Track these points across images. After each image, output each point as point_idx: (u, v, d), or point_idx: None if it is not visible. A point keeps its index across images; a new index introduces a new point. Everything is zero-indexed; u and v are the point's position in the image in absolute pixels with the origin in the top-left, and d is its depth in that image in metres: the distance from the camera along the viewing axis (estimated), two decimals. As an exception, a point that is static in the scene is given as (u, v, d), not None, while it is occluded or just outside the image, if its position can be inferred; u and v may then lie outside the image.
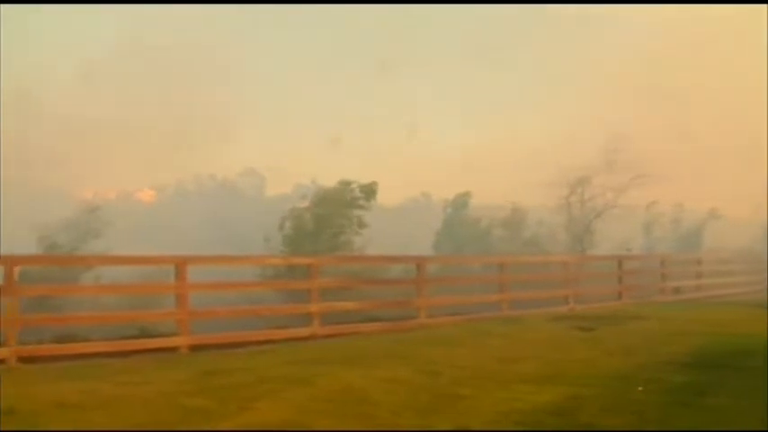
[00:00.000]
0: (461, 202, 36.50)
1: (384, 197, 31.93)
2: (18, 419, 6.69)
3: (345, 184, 28.12)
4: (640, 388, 7.87)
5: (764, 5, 33.90)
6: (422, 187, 51.66)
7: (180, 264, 11.79)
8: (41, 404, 7.19)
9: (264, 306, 14.30)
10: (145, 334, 12.06)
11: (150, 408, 7.03)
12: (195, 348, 11.47)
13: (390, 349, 10.99)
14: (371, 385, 8.06)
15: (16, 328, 10.36)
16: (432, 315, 15.27)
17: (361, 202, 27.91)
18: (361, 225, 27.50)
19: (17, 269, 10.58)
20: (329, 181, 28.69)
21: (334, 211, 27.61)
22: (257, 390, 7.79)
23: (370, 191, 27.97)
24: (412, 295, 15.54)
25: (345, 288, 16.15)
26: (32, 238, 24.85)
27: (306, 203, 28.18)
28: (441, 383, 8.35)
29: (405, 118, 69.10)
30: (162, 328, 12.84)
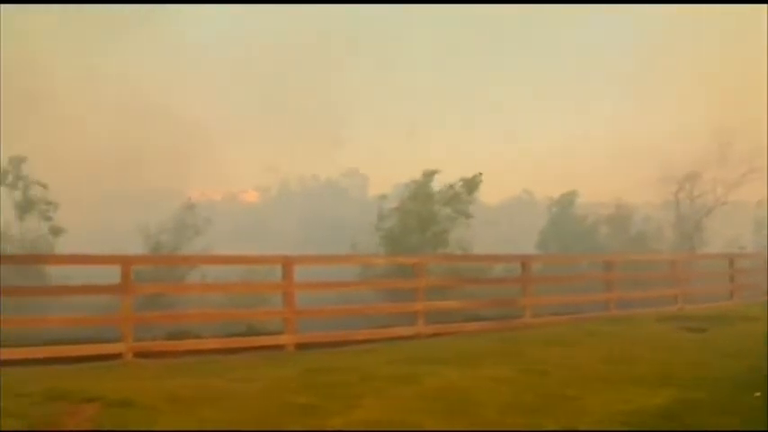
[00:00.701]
0: (567, 200, 35.94)
1: (486, 196, 31.82)
2: (134, 412, 6.94)
3: (428, 175, 28.06)
4: (758, 394, 7.52)
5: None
6: (524, 185, 51.16)
7: (287, 263, 11.99)
8: (156, 398, 7.43)
9: (369, 305, 14.42)
10: (252, 332, 12.32)
11: (259, 403, 7.17)
12: (301, 346, 11.63)
13: (495, 349, 10.89)
14: (477, 385, 8.02)
15: (131, 325, 10.77)
16: (537, 314, 15.05)
17: (464, 196, 27.81)
18: (467, 216, 27.41)
19: (132, 268, 11.00)
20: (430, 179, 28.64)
21: (436, 209, 27.61)
22: (363, 388, 7.84)
23: (472, 185, 27.83)
24: (517, 294, 15.34)
25: (449, 287, 16.09)
26: (138, 237, 25.87)
27: (405, 202, 28.26)
28: (547, 383, 8.23)
29: (505, 117, 68.67)
30: (268, 325, 13.09)
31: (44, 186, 26.72)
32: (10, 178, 26.65)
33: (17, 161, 26.63)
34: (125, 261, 11.14)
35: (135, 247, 23.96)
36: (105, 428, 6.44)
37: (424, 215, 27.26)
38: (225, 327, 12.76)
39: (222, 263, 15.40)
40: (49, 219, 26.67)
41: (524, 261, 15.86)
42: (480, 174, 27.90)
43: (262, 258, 14.39)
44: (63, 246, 25.82)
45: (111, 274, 13.12)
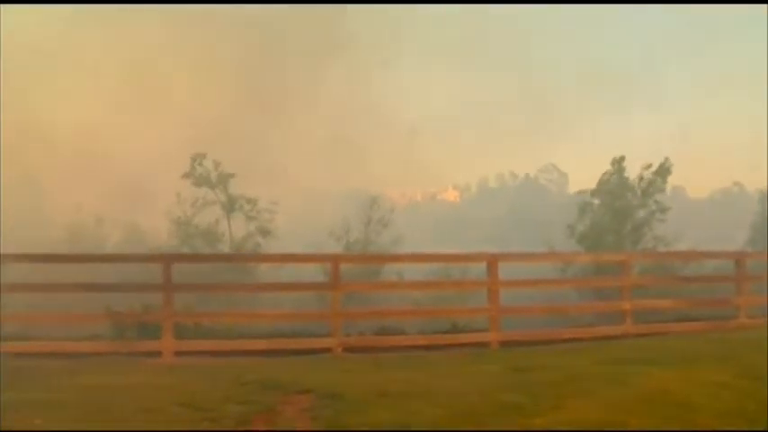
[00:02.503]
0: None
1: (692, 189, 30.36)
2: (345, 404, 7.21)
3: (617, 162, 26.99)
4: None
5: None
6: (734, 177, 48.24)
7: (492, 261, 12.00)
8: (366, 392, 7.68)
9: (575, 304, 14.15)
10: (456, 329, 12.42)
11: (466, 400, 7.23)
12: (505, 344, 11.59)
13: (709, 350, 10.32)
14: (691, 388, 7.63)
15: (341, 321, 11.21)
16: (753, 315, 14.10)
17: (658, 184, 26.62)
18: (663, 210, 26.25)
19: (341, 266, 11.45)
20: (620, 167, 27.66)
21: (631, 201, 26.60)
22: (569, 387, 7.71)
23: (664, 171, 26.58)
24: (730, 293, 14.47)
25: (656, 285, 15.45)
26: (331, 236, 26.80)
27: (601, 197, 27.49)
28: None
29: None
30: (471, 323, 13.14)
31: (254, 201, 28.08)
32: (213, 179, 28.35)
33: (224, 174, 28.22)
34: (334, 259, 11.63)
35: (329, 246, 24.87)
36: (320, 419, 6.73)
37: (619, 208, 26.33)
38: (427, 323, 12.95)
39: (428, 261, 15.59)
40: (253, 218, 28.16)
41: (738, 258, 14.92)
42: (667, 158, 26.64)
43: (467, 256, 14.53)
44: (266, 244, 27.24)
45: (309, 273, 13.77)
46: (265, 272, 23.73)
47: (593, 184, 29.42)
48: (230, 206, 28.24)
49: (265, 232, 27.82)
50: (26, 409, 6.97)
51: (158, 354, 10.54)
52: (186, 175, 28.17)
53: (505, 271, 12.43)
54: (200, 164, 28.27)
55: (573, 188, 53.87)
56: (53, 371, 9.09)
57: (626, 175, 27.34)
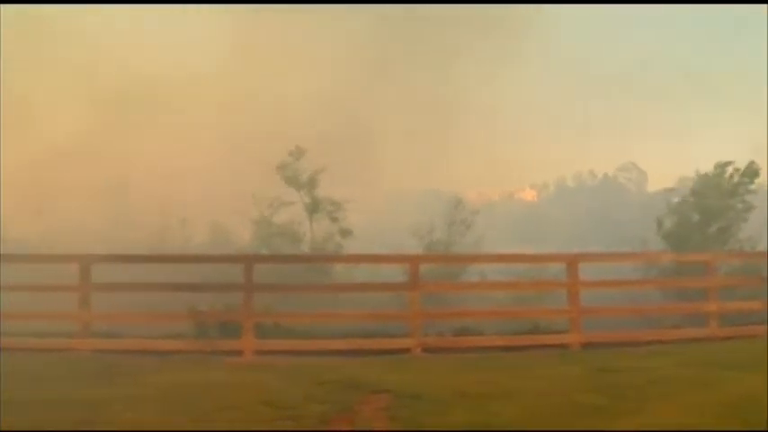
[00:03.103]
0: None
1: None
2: (424, 405, 7.23)
3: (721, 167, 26.23)
4: None
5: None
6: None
7: (572, 262, 11.84)
8: (444, 392, 7.70)
9: (657, 305, 13.84)
10: (536, 330, 12.29)
11: (548, 401, 7.18)
12: (585, 346, 11.42)
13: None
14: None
15: (420, 321, 11.22)
16: None
17: (746, 186, 25.84)
18: (748, 209, 25.47)
19: (422, 266, 11.47)
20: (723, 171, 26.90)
21: (718, 202, 25.86)
22: (652, 390, 7.59)
23: (752, 172, 25.77)
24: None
25: (744, 286, 14.95)
26: (413, 237, 26.79)
27: (686, 197, 26.82)
28: None
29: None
30: (551, 324, 12.97)
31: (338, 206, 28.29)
32: (303, 179, 28.62)
33: (313, 177, 28.48)
34: (413, 260, 11.66)
35: (410, 246, 24.88)
36: (399, 419, 6.76)
37: (707, 207, 25.62)
38: (506, 324, 12.85)
39: (507, 262, 15.44)
40: (336, 220, 28.37)
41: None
42: (753, 162, 25.81)
43: (547, 257, 14.35)
44: (347, 245, 27.42)
45: (388, 273, 13.79)
46: (343, 272, 23.93)
47: (671, 183, 28.78)
48: (314, 207, 28.50)
49: (346, 233, 27.98)
50: (117, 405, 7.21)
51: (239, 353, 10.73)
52: (280, 168, 28.43)
53: (585, 271, 12.25)
54: (297, 159, 28.50)
55: (652, 187, 52.65)
56: (141, 368, 9.37)
57: (713, 173, 26.58)
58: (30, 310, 11.98)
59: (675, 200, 27.11)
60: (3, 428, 6.51)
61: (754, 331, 12.45)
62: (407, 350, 10.89)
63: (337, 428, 6.64)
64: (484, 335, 11.78)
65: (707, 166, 27.02)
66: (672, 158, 68.45)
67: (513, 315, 13.50)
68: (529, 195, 69.53)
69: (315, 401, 7.41)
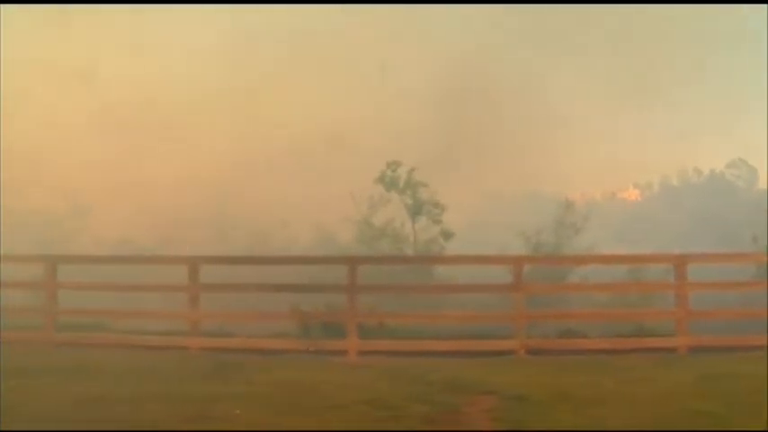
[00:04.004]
0: None
1: None
2: (529, 407, 7.19)
3: None
4: None
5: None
6: None
7: (680, 262, 11.52)
8: (550, 395, 7.63)
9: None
10: (641, 332, 12.02)
11: (656, 407, 7.02)
12: (693, 349, 11.10)
13: None
14: None
15: (524, 323, 11.14)
16: None
17: None
18: None
19: (525, 268, 11.39)
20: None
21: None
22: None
23: None
24: None
25: None
26: (519, 238, 26.52)
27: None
28: None
29: None
30: (656, 326, 12.65)
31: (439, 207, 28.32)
32: (401, 184, 28.80)
33: (414, 180, 28.61)
34: (517, 261, 11.59)
35: (515, 248, 24.66)
36: (504, 421, 6.75)
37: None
38: (611, 327, 12.60)
39: (613, 262, 15.13)
40: (438, 222, 28.39)
41: None
42: None
43: (654, 257, 14.00)
44: (449, 246, 27.41)
45: (486, 274, 13.69)
46: (444, 273, 23.92)
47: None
48: (416, 210, 28.61)
49: (448, 235, 27.98)
50: (228, 402, 7.44)
51: (344, 353, 10.88)
52: (378, 180, 28.77)
53: (693, 272, 11.92)
54: (394, 170, 28.76)
55: (764, 184, 50.66)
56: (249, 366, 9.62)
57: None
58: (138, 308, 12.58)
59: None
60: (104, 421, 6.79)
61: None
62: (511, 351, 10.81)
63: (441, 429, 6.67)
64: (588, 337, 11.60)
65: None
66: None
67: (619, 317, 13.25)
68: (632, 195, 67.94)
69: (418, 402, 7.46)
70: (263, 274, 12.39)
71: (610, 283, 14.98)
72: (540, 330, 12.04)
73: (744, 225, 27.84)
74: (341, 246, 29.37)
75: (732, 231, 28.71)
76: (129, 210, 32.29)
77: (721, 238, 29.92)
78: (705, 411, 6.76)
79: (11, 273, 13.27)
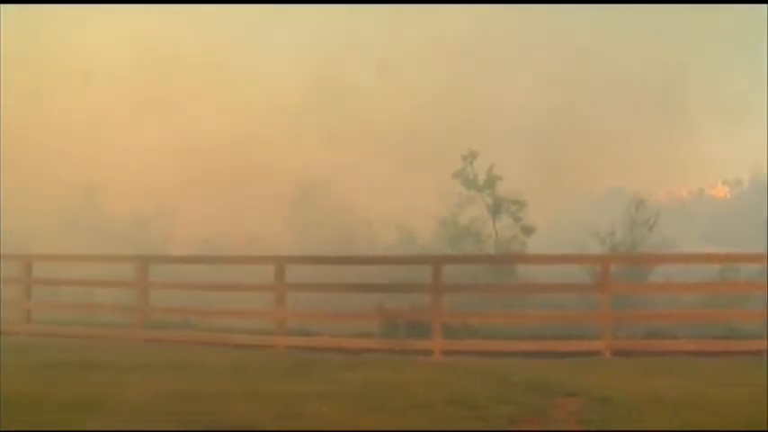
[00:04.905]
0: None
1: None
2: (616, 409, 7.11)
3: None
4: None
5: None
6: None
7: (771, 262, 11.25)
8: (637, 397, 7.53)
9: None
10: (732, 334, 11.73)
11: (749, 412, 6.85)
12: (785, 352, 10.78)
13: None
14: None
15: (609, 323, 11.01)
16: None
17: None
18: None
19: (611, 267, 11.26)
20: None
21: None
22: None
23: None
24: None
25: None
26: (594, 237, 26.03)
27: None
28: None
29: None
30: (747, 328, 12.32)
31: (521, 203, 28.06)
32: (481, 182, 28.61)
33: (492, 176, 28.41)
34: (603, 260, 11.47)
35: (591, 247, 24.26)
36: (589, 423, 6.69)
37: None
38: (699, 328, 12.33)
39: (702, 262, 14.70)
40: (519, 219, 28.12)
41: None
42: None
43: (745, 256, 13.54)
44: (530, 245, 27.12)
45: (566, 274, 13.56)
46: (524, 272, 23.70)
47: None
48: (496, 208, 28.39)
49: (529, 230, 27.68)
50: (314, 400, 7.59)
51: (428, 352, 10.95)
52: (456, 175, 28.65)
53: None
54: (471, 163, 28.58)
55: None
56: (334, 365, 9.79)
57: None
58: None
59: None
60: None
61: None
62: (597, 352, 10.71)
63: (527, 429, 6.67)
64: (675, 338, 11.39)
65: None
66: None
67: (708, 318, 12.92)
68: (721, 192, 65.90)
69: (503, 402, 7.46)
70: (346, 274, 12.57)
71: (697, 283, 14.61)
72: (625, 331, 11.88)
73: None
74: (421, 245, 29.34)
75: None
76: (213, 210, 32.91)
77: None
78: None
79: (103, 273, 13.85)
